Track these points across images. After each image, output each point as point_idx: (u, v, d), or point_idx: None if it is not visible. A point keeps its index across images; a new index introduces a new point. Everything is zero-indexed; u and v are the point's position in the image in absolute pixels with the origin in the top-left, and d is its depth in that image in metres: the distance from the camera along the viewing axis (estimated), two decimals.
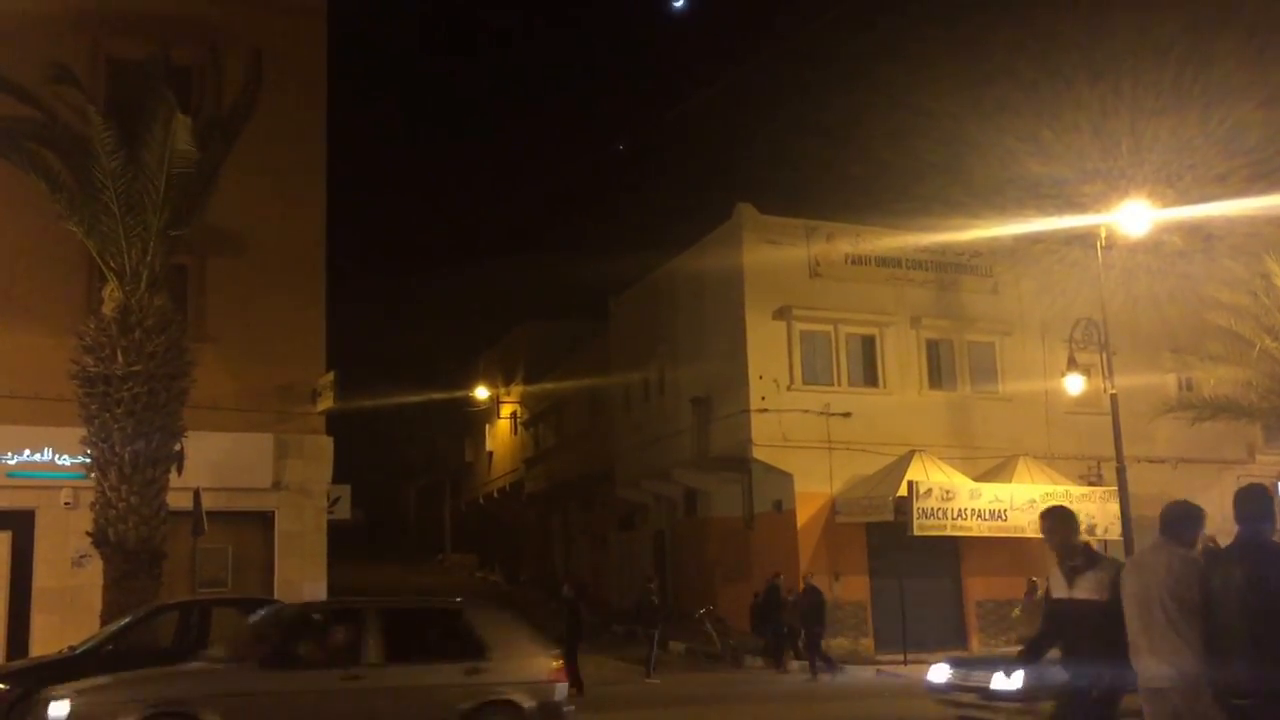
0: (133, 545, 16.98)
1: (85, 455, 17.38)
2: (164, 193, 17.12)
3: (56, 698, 10.74)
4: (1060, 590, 7.84)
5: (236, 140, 18.35)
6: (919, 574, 24.87)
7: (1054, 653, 8.17)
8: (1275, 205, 23.37)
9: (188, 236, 18.28)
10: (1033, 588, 23.67)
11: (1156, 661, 6.99)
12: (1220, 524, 28.03)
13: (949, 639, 25.05)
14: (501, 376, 47.51)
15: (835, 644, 25.00)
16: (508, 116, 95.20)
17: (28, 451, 19.46)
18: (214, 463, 19.54)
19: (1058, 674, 13.06)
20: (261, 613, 13.54)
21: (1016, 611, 23.87)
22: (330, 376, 21.23)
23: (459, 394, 48.45)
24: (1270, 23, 25.21)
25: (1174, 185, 23.97)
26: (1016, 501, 24.78)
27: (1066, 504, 24.83)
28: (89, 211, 17.17)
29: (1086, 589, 7.64)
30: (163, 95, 17.07)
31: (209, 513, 18.83)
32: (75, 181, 17.22)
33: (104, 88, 19.17)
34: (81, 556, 18.67)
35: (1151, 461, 27.29)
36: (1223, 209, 23.90)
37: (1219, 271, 26.62)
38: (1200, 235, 27.06)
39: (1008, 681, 13.09)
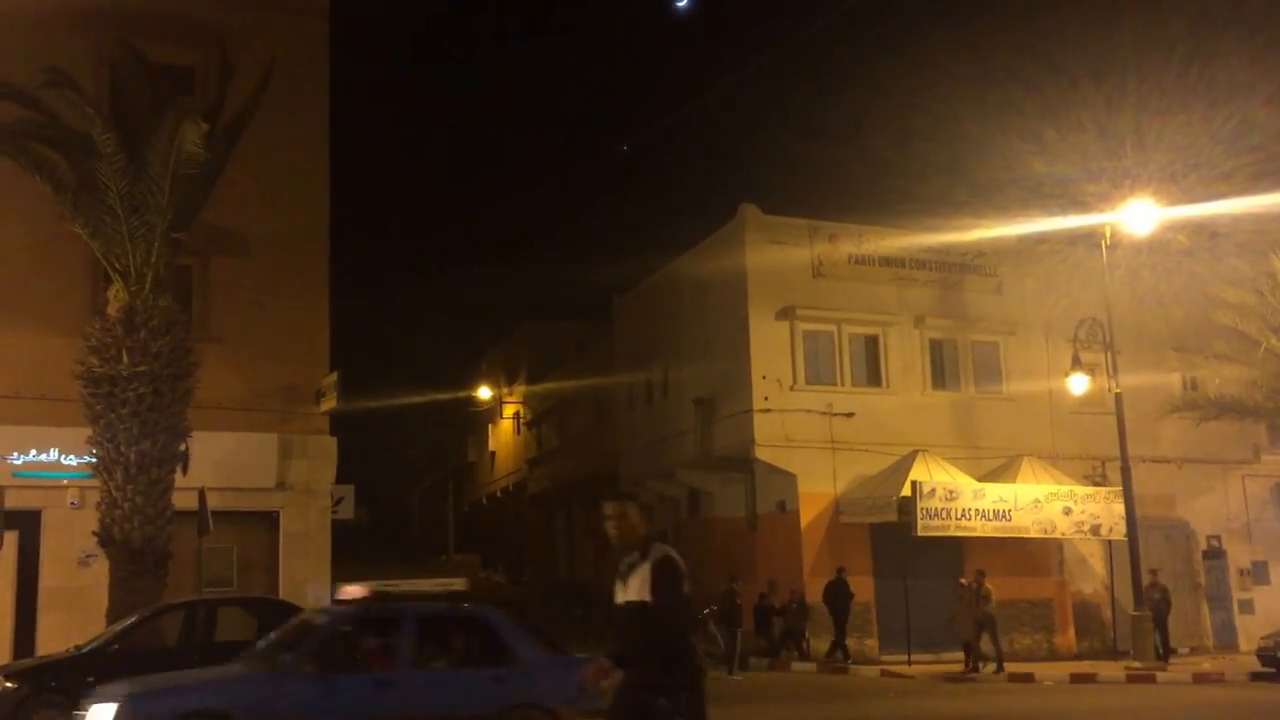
0: (138, 545, 17.01)
1: (91, 455, 17.42)
2: (168, 194, 17.16)
3: None
4: (619, 593, 6.87)
5: (238, 142, 18.40)
6: (923, 574, 24.81)
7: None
8: None
9: (191, 237, 18.32)
10: (963, 589, 23.58)
11: None
12: (1226, 524, 28.20)
13: (953, 640, 25.01)
14: (504, 377, 47.54)
15: None
16: (512, 116, 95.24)
17: (34, 451, 19.56)
18: (219, 463, 19.62)
19: (183, 702, 10.66)
20: None
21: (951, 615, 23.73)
22: (334, 377, 21.28)
23: (462, 394, 48.53)
24: (1276, 19, 25.16)
25: (1179, 183, 23.92)
26: (1020, 502, 24.75)
27: (1070, 504, 25.02)
28: (93, 213, 17.23)
29: (635, 589, 6.71)
30: (164, 98, 17.09)
31: (214, 513, 18.90)
32: (80, 183, 17.28)
33: (108, 87, 19.21)
34: (87, 556, 18.73)
35: (1156, 461, 27.28)
36: (1228, 207, 23.83)
37: (1224, 270, 26.58)
38: (1205, 233, 26.99)
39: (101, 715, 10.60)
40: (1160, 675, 22.20)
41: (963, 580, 23.83)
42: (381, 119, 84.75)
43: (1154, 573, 25.04)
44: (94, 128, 16.88)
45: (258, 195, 20.71)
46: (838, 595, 24.24)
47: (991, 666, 22.82)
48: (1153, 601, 24.36)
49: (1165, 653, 24.05)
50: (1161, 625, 24.30)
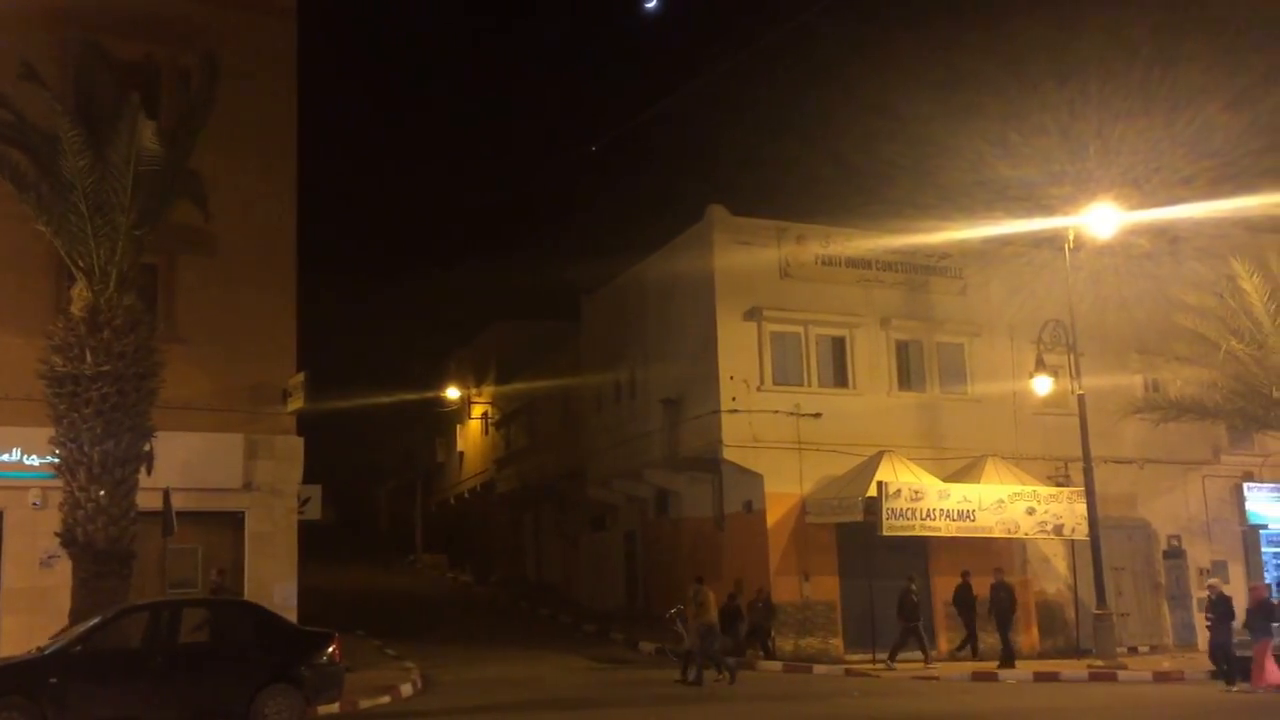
0: (102, 546, 16.91)
1: (54, 455, 17.30)
2: (131, 192, 17.08)
3: None
4: None
5: (197, 136, 18.26)
6: (888, 574, 24.98)
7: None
8: (1241, 207, 23.67)
9: (157, 236, 18.22)
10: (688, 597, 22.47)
11: None
12: (1186, 524, 28.42)
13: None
14: (473, 377, 47.44)
15: (805, 643, 25.15)
16: (480, 117, 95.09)
17: None
18: (184, 463, 19.50)
19: None
20: None
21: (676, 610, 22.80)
22: (301, 376, 21.19)
23: (430, 394, 48.39)
24: (1236, 24, 25.52)
25: (1141, 187, 24.23)
26: (984, 502, 24.94)
27: (1033, 504, 25.23)
28: (57, 211, 17.12)
29: None
30: (127, 95, 17.01)
31: (179, 513, 18.78)
32: (43, 180, 17.17)
33: (72, 85, 19.06)
34: (50, 557, 18.57)
35: (1118, 462, 27.59)
36: (1189, 211, 24.16)
37: (1185, 273, 26.97)
38: (1167, 237, 27.38)
39: None
40: (1121, 674, 22.44)
41: (698, 581, 22.67)
42: (350, 117, 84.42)
43: (999, 570, 24.79)
44: (60, 125, 16.77)
45: (225, 194, 20.58)
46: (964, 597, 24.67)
47: (726, 676, 21.13)
48: (999, 601, 24.16)
49: (1006, 651, 23.82)
50: (1004, 626, 24.02)
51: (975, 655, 24.84)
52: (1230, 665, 20.09)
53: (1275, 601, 20.25)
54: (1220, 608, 20.30)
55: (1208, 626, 20.59)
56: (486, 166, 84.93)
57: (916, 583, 24.66)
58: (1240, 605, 21.01)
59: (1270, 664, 19.46)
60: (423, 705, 18.72)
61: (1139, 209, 24.00)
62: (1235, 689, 19.66)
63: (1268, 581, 29.49)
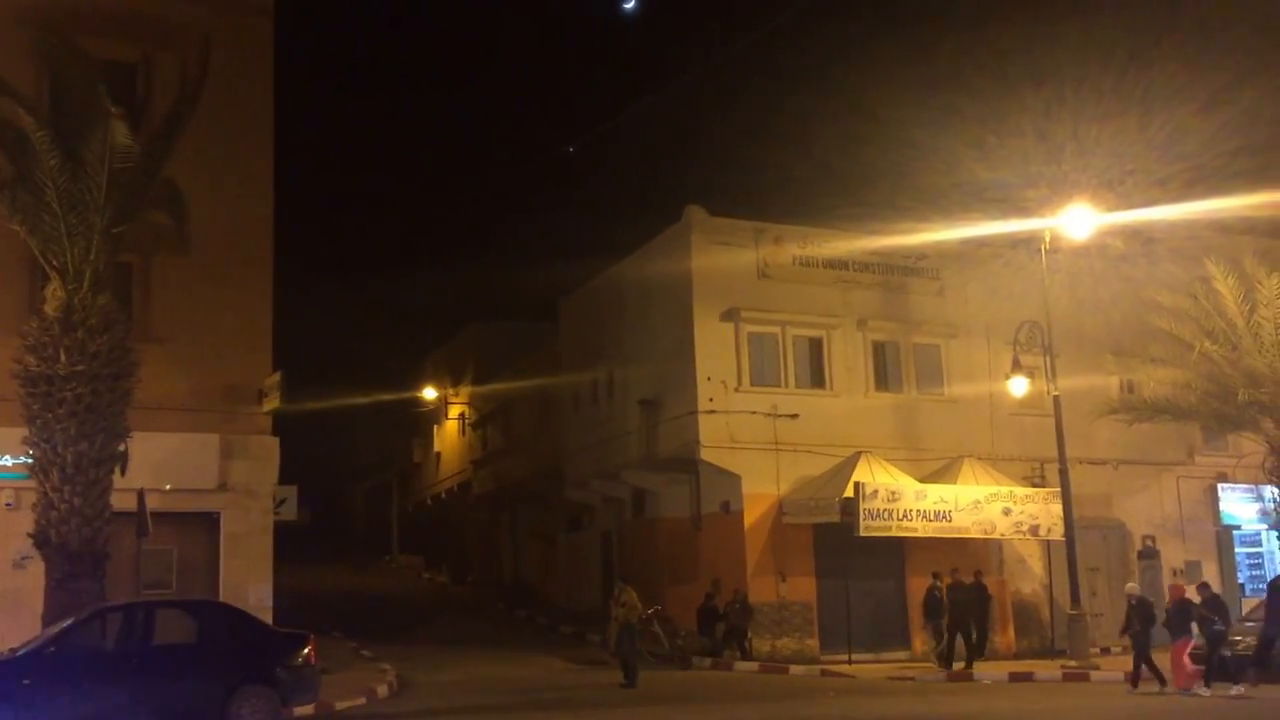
0: (75, 547, 16.78)
1: (27, 456, 17.15)
2: (105, 190, 16.97)
3: None
4: None
5: (178, 137, 18.16)
6: (864, 574, 25.06)
7: None
8: (1215, 209, 23.84)
9: (132, 235, 18.11)
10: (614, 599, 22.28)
11: None
12: (1160, 524, 28.38)
13: (893, 639, 25.31)
14: (450, 377, 47.31)
15: (781, 644, 25.20)
16: (457, 116, 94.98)
17: None
18: (159, 463, 19.41)
19: None
20: None
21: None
22: (277, 376, 21.12)
23: (407, 394, 48.20)
24: (1208, 28, 25.71)
25: (1116, 189, 24.37)
26: (961, 503, 25.03)
27: (1009, 505, 25.35)
28: (30, 210, 16.99)
29: None
30: (98, 92, 16.90)
31: (154, 514, 18.68)
32: (17, 179, 17.04)
33: (47, 83, 18.96)
34: (23, 558, 18.46)
35: (1093, 463, 27.74)
36: (1163, 213, 24.33)
37: (1160, 274, 27.12)
38: (1141, 239, 27.54)
39: None
40: (1094, 674, 22.54)
41: (620, 583, 22.55)
42: (326, 117, 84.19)
43: (954, 571, 24.55)
44: (29, 125, 16.66)
45: (201, 193, 20.45)
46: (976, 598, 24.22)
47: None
48: (960, 604, 24.04)
49: (976, 648, 23.80)
50: (964, 630, 23.86)
51: (980, 655, 24.71)
52: (1139, 668, 20.07)
53: (1196, 602, 20.26)
54: (1141, 611, 20.40)
55: (1131, 632, 20.58)
56: (463, 167, 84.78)
57: (942, 581, 24.42)
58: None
59: (1186, 663, 19.56)
60: (398, 707, 18.68)
61: (1114, 211, 24.15)
62: (1139, 690, 19.74)
63: (1240, 582, 29.77)
